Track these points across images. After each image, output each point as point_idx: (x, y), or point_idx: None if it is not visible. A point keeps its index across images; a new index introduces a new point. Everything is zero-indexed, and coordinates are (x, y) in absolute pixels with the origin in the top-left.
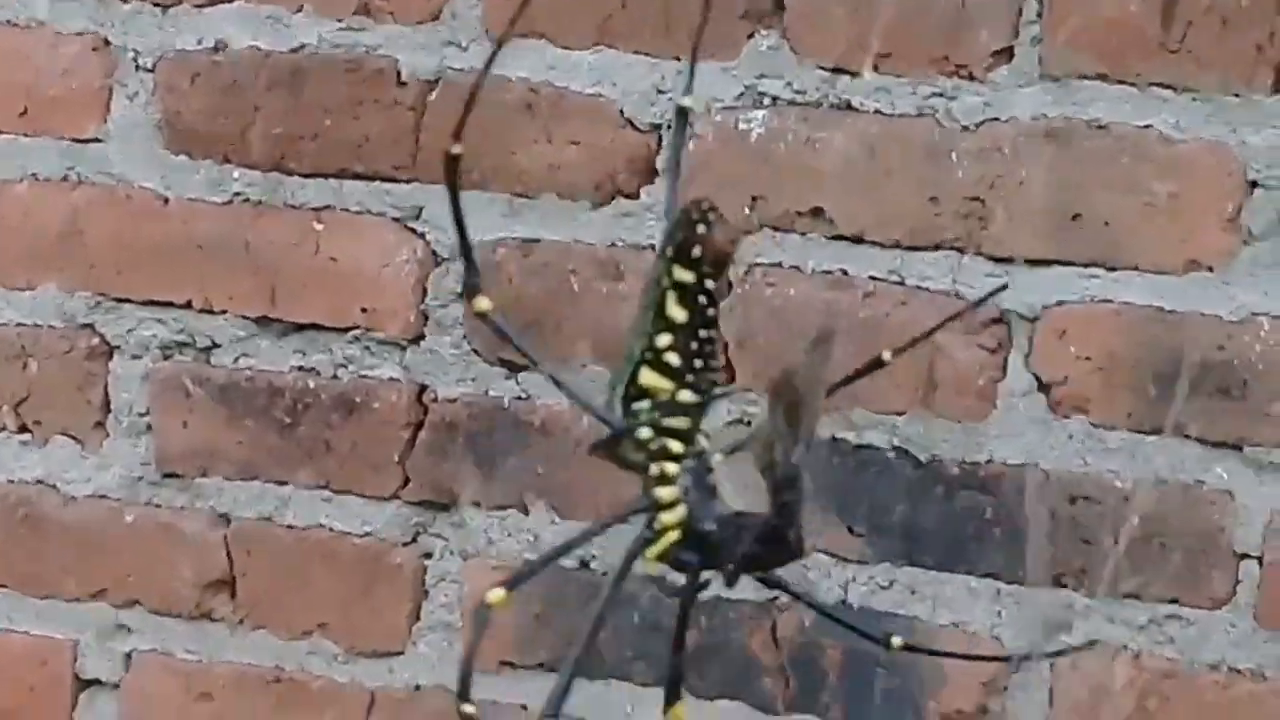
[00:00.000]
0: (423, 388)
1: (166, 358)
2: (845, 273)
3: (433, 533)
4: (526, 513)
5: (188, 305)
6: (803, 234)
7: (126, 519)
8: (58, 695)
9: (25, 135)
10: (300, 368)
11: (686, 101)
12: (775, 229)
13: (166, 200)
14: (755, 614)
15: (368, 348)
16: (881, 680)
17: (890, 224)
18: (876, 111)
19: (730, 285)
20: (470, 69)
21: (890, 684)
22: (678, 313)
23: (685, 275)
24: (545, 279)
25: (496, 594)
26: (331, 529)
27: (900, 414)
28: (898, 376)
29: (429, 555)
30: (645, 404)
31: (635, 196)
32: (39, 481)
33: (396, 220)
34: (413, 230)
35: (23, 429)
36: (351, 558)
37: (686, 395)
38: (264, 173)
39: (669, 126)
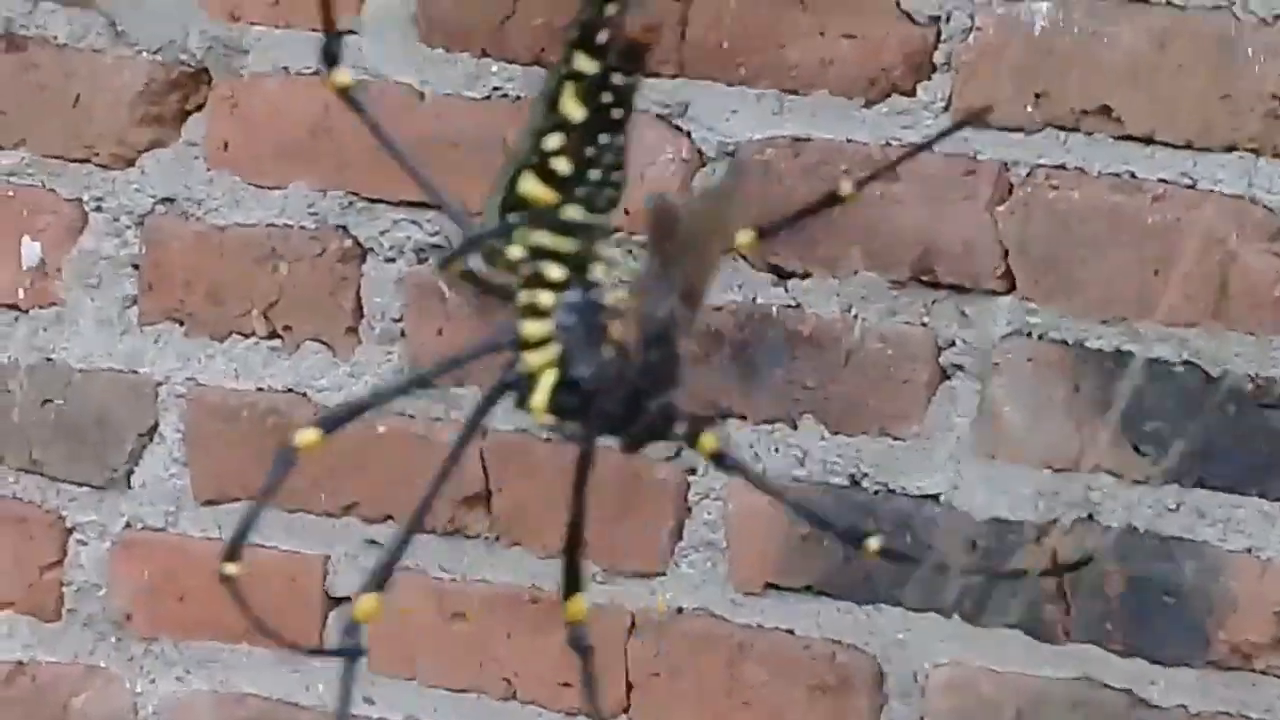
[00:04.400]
0: None
1: (421, 261)
2: (1133, 175)
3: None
4: (794, 427)
5: (441, 207)
6: (1088, 134)
7: (378, 430)
8: (307, 613)
9: (276, 27)
10: None
11: None
12: (1059, 128)
13: (422, 95)
14: (1035, 535)
15: (630, 252)
16: (1166, 607)
17: (1181, 124)
18: (1168, 3)
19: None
20: None
21: (1175, 611)
22: (574, 110)
23: (587, 64)
24: (816, 180)
25: (306, 435)
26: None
27: (1191, 326)
28: (1188, 286)
29: (692, 471)
30: (523, 218)
31: (911, 94)
32: (289, 390)
33: (661, 117)
34: (677, 128)
35: (272, 334)
36: (611, 473)
37: (574, 212)
38: (523, 66)
39: (948, 19)
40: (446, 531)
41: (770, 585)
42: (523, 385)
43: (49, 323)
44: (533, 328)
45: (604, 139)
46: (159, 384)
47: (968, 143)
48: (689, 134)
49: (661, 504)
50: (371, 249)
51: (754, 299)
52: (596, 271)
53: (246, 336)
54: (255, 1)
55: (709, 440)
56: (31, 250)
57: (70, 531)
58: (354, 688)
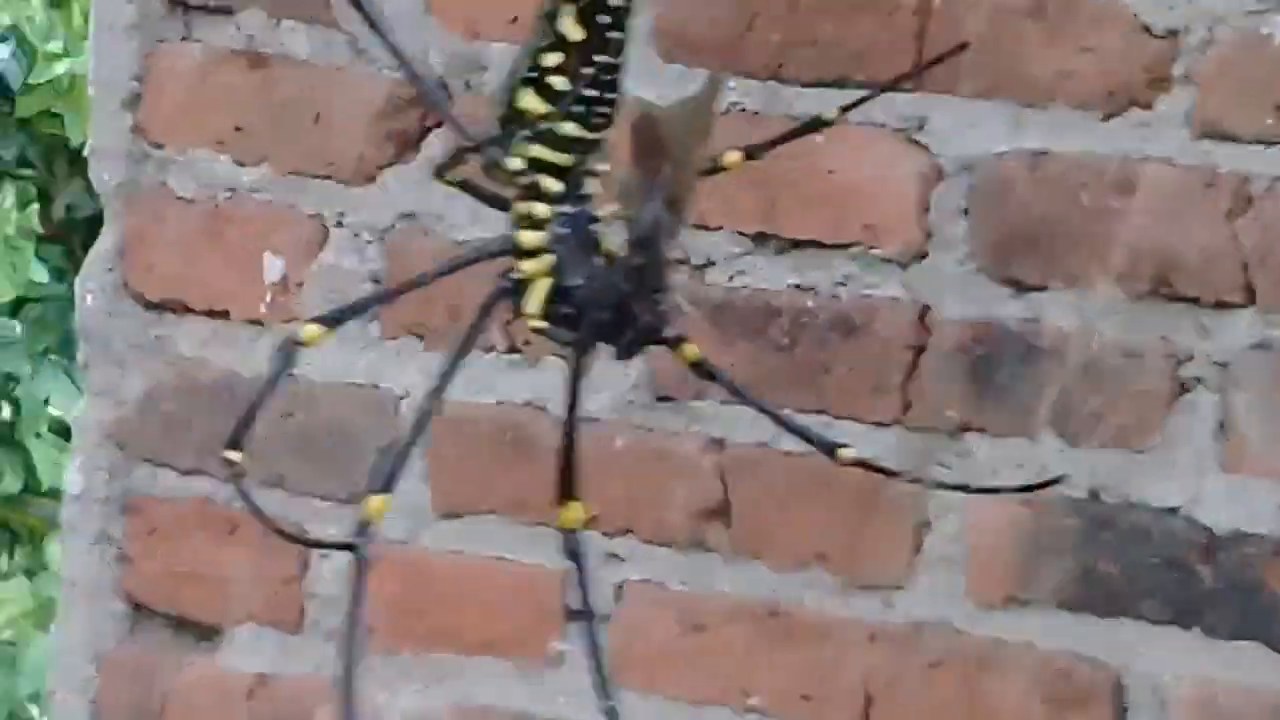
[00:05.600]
0: (925, 308)
1: None
2: None
3: (936, 462)
4: (1033, 440)
5: None
6: None
7: (617, 444)
8: (546, 625)
9: (515, 43)
10: (797, 286)
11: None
12: None
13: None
14: (1275, 548)
15: (868, 265)
16: None
17: None
18: None
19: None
20: None
21: None
22: (573, 30)
23: None
24: (1054, 193)
25: (311, 330)
26: None
27: None
28: None
29: (932, 486)
30: (521, 132)
31: (1149, 107)
32: (528, 403)
33: (898, 132)
34: (915, 142)
35: (512, 349)
36: (850, 486)
37: (570, 128)
38: (761, 81)
39: (1187, 32)
40: (686, 545)
41: (1010, 598)
42: (517, 292)
43: None
44: (528, 237)
45: (600, 59)
46: (400, 398)
47: (1208, 156)
48: (926, 148)
49: (901, 518)
50: None
51: (992, 312)
52: (590, 185)
53: (486, 351)
54: (494, 19)
55: (689, 349)
56: (274, 265)
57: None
58: (364, 589)
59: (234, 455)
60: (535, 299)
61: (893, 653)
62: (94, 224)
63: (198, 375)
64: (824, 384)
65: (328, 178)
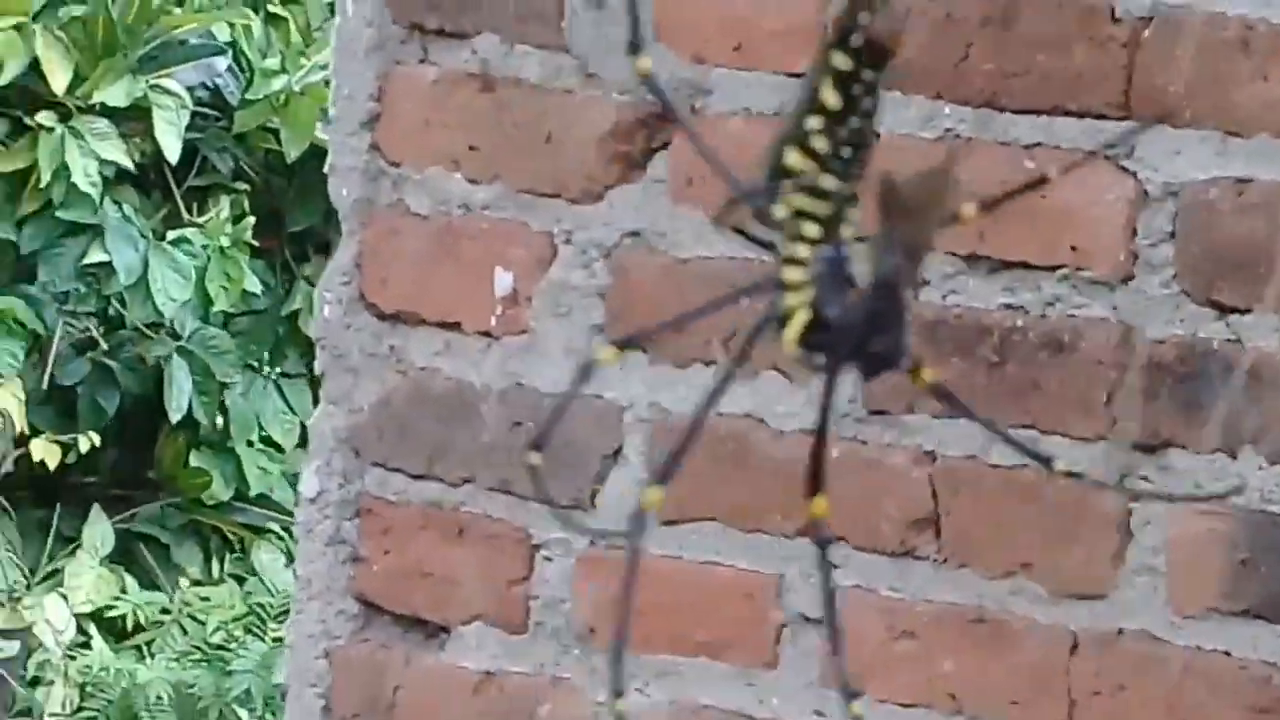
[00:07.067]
0: (1130, 328)
1: None
2: None
3: (1140, 475)
4: (1234, 457)
5: None
6: None
7: (832, 454)
8: (764, 630)
9: (739, 69)
10: (1008, 305)
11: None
12: None
13: (878, 135)
14: None
15: (1076, 287)
16: None
17: None
18: None
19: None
20: (1186, 5)
21: None
22: (831, 98)
23: (843, 62)
24: (1257, 219)
25: (606, 350)
26: (1037, 469)
27: None
28: None
29: (1135, 498)
30: (787, 184)
31: None
32: (747, 415)
33: (1108, 158)
34: (1124, 169)
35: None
36: (1055, 498)
37: (829, 181)
38: (975, 109)
39: None
40: (896, 553)
41: (1210, 608)
42: (780, 322)
43: (520, 349)
44: (792, 274)
45: (854, 122)
46: (623, 409)
47: None
48: (1134, 174)
49: (1105, 530)
50: None
51: (1195, 333)
52: (845, 231)
53: (707, 365)
54: (719, 45)
55: (927, 373)
56: (504, 280)
57: (537, 548)
58: (636, 575)
59: (534, 458)
60: (795, 328)
61: (1096, 660)
62: (303, 238)
63: (429, 384)
64: (1032, 400)
65: (557, 196)
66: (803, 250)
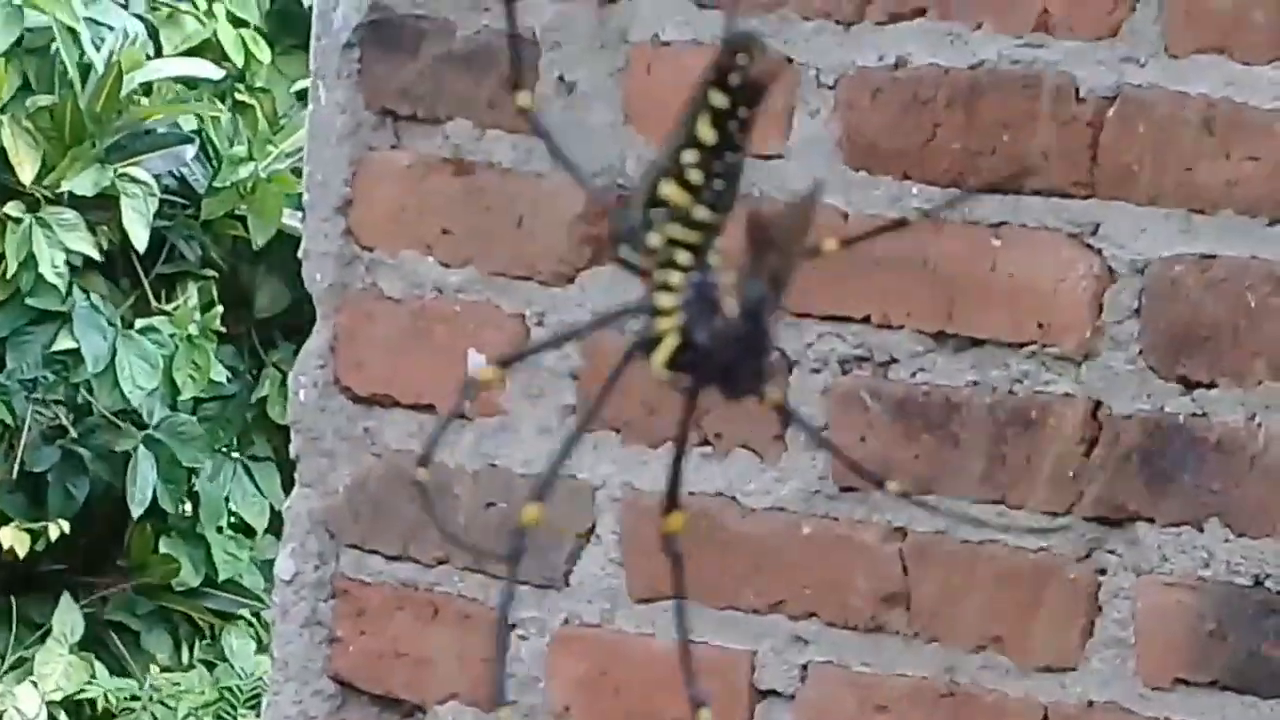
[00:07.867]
0: (1097, 404)
1: (845, 372)
2: None
3: (1107, 549)
4: (1200, 530)
5: (866, 320)
6: None
7: (804, 531)
8: (735, 707)
9: None
10: (975, 382)
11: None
12: None
13: (846, 216)
14: None
15: (1043, 363)
16: None
17: None
18: None
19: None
20: (1149, 85)
21: None
22: (707, 134)
23: (720, 100)
24: (1221, 296)
25: (485, 372)
26: (1006, 544)
27: None
28: None
29: (1102, 572)
30: (661, 213)
31: None
32: (719, 493)
33: (1073, 236)
34: (1089, 246)
35: (705, 442)
36: (1025, 573)
37: (702, 212)
38: (942, 188)
39: None
40: (867, 628)
41: (1178, 680)
42: (650, 345)
43: (493, 430)
44: (664, 300)
45: (729, 157)
46: (596, 488)
47: None
48: (1099, 252)
49: (1073, 602)
50: (797, 361)
51: (1162, 408)
52: (714, 259)
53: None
54: None
55: (774, 395)
56: (476, 361)
57: (512, 628)
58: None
59: (422, 474)
60: (665, 351)
61: None
62: (270, 324)
63: (404, 466)
64: (1000, 475)
65: (529, 279)
66: (675, 277)
